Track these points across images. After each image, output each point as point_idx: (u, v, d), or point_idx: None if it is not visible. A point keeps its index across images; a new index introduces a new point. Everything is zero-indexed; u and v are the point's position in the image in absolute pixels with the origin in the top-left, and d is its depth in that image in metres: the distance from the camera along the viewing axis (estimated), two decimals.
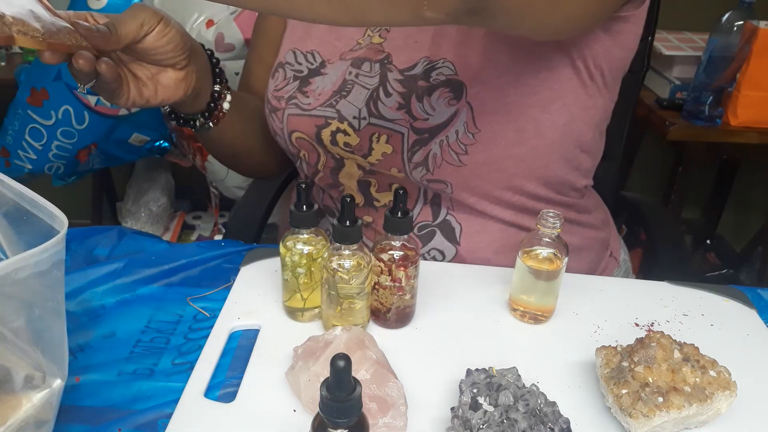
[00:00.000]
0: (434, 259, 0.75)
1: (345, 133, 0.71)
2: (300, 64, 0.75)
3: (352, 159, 0.73)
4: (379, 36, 0.72)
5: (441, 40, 0.68)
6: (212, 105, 0.71)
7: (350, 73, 0.71)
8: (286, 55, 0.78)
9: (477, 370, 0.53)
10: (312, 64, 0.75)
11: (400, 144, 0.69)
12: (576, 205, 0.79)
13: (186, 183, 2.10)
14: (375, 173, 0.73)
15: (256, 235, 0.94)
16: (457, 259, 0.75)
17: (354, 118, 0.70)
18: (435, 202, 0.73)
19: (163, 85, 0.63)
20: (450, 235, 0.74)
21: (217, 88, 0.71)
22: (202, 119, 0.72)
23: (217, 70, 0.71)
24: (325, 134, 0.72)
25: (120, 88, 0.59)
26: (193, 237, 2.09)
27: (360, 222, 0.57)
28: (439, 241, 0.74)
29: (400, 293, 0.60)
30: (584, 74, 0.69)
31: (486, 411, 0.48)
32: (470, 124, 0.67)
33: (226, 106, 0.72)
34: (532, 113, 0.68)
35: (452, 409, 0.50)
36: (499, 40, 0.66)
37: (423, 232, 0.74)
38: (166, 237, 2.03)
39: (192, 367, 0.57)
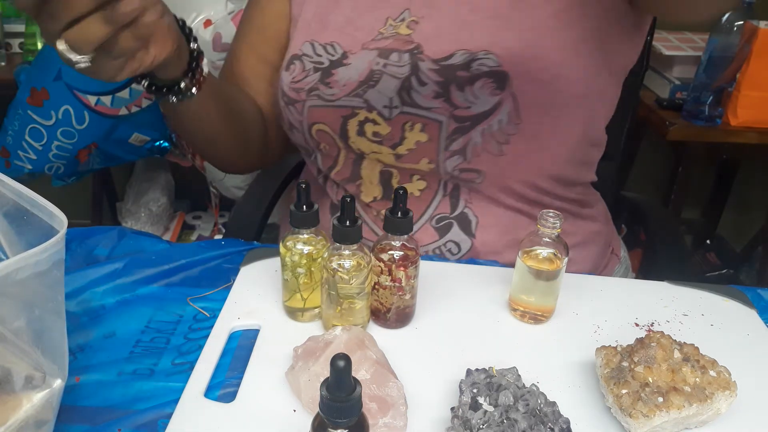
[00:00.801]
0: (450, 251, 0.76)
1: (374, 122, 0.71)
2: (320, 55, 0.75)
3: (377, 151, 0.72)
4: (407, 27, 0.71)
5: (476, 32, 0.68)
6: (194, 65, 0.66)
7: (377, 63, 0.71)
8: (302, 47, 0.77)
9: (477, 370, 0.53)
10: (332, 55, 0.74)
11: (436, 132, 0.69)
12: (581, 199, 0.80)
13: (186, 183, 2.10)
14: (398, 165, 0.73)
15: (256, 235, 0.94)
16: (471, 252, 0.75)
17: (384, 107, 0.70)
18: (454, 194, 0.74)
19: (153, 41, 0.56)
20: (466, 228, 0.75)
21: (194, 45, 0.66)
22: (186, 81, 0.66)
23: (187, 29, 0.66)
24: (352, 124, 0.72)
25: (129, 59, 0.55)
26: (193, 237, 2.08)
27: (360, 222, 0.57)
28: (455, 233, 0.75)
29: (400, 293, 0.60)
30: (612, 69, 0.71)
31: (486, 411, 0.48)
32: (514, 114, 0.67)
33: (205, 68, 0.68)
34: (568, 108, 0.69)
35: (452, 409, 0.50)
36: (544, 35, 0.68)
37: (440, 224, 0.75)
38: (166, 237, 2.03)
39: (192, 367, 0.57)
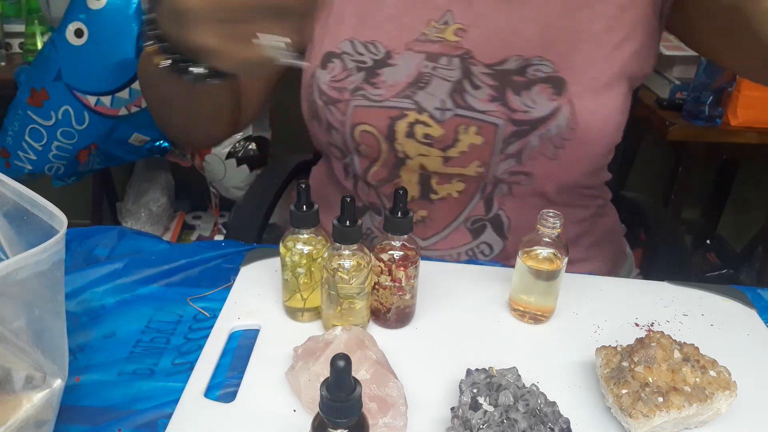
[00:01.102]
0: (482, 253, 0.76)
1: (425, 124, 0.71)
2: (361, 54, 0.73)
3: (426, 153, 0.72)
4: (454, 35, 0.71)
5: (528, 38, 0.69)
6: None
7: (426, 66, 0.71)
8: (340, 44, 0.74)
9: (477, 370, 0.53)
10: (375, 54, 0.73)
11: (492, 135, 0.70)
12: (600, 195, 0.83)
13: (186, 183, 2.11)
14: (443, 168, 0.73)
15: (257, 235, 0.94)
16: (503, 254, 0.76)
17: (436, 109, 0.70)
18: (489, 197, 0.75)
19: None
20: (499, 230, 0.76)
21: None
22: None
23: None
24: (401, 126, 0.71)
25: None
26: (193, 237, 2.09)
27: (360, 222, 0.57)
28: (488, 234, 0.76)
29: (400, 293, 0.60)
30: (639, 77, 0.75)
31: (486, 411, 0.48)
32: (572, 119, 0.68)
33: None
34: (614, 113, 0.71)
35: (452, 409, 0.50)
36: (598, 45, 0.69)
37: (475, 226, 0.76)
38: (166, 237, 2.03)
39: (192, 367, 0.57)
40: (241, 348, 0.60)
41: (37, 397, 0.45)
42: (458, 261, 0.77)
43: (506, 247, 0.76)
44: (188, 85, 0.61)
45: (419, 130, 0.71)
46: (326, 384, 0.40)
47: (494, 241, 0.76)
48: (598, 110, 0.69)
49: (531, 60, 0.69)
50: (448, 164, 0.72)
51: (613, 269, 0.87)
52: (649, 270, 0.93)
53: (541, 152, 0.70)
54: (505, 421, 0.47)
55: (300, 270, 0.60)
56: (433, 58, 0.71)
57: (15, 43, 1.84)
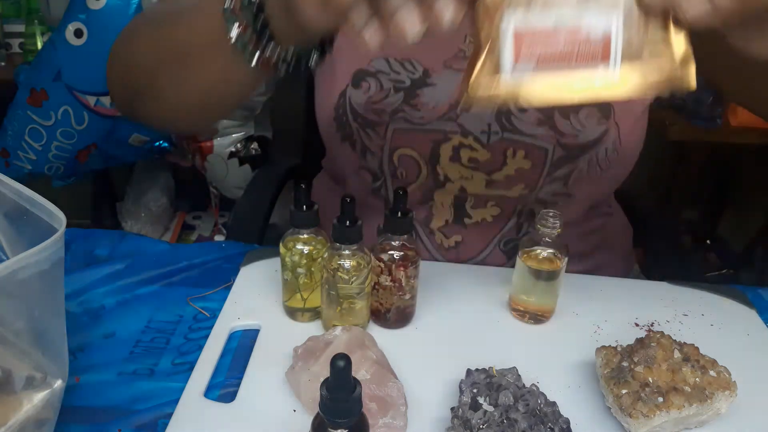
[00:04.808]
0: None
1: (471, 148, 0.69)
2: (398, 73, 0.69)
3: (468, 177, 0.70)
4: None
5: None
6: None
7: None
8: (374, 62, 0.70)
9: (477, 370, 0.53)
10: (412, 73, 0.69)
11: (542, 159, 0.69)
12: (611, 196, 0.85)
13: (186, 183, 2.10)
14: (485, 191, 0.72)
15: (259, 236, 0.94)
16: None
17: (482, 132, 0.68)
18: (523, 220, 0.74)
19: None
20: None
21: None
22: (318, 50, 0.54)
23: None
24: (445, 149, 0.69)
25: None
26: (193, 237, 2.08)
27: (360, 222, 0.56)
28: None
29: (400, 293, 0.60)
30: None
31: (486, 411, 0.48)
32: (617, 142, 0.69)
33: None
34: (644, 130, 0.73)
35: (452, 409, 0.50)
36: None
37: (508, 247, 0.75)
38: (166, 237, 2.03)
39: (192, 367, 0.57)
40: (241, 348, 0.60)
41: (38, 398, 0.45)
42: None
43: None
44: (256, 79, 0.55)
45: (465, 153, 0.69)
46: (326, 384, 0.40)
47: None
48: (636, 131, 0.70)
49: None
50: (491, 187, 0.71)
51: (624, 266, 0.88)
52: (649, 270, 0.93)
53: (588, 175, 0.70)
54: (505, 421, 0.47)
55: (300, 270, 0.60)
56: None
57: (15, 43, 1.84)
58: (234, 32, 0.50)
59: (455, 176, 0.71)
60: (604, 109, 0.68)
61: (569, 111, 0.67)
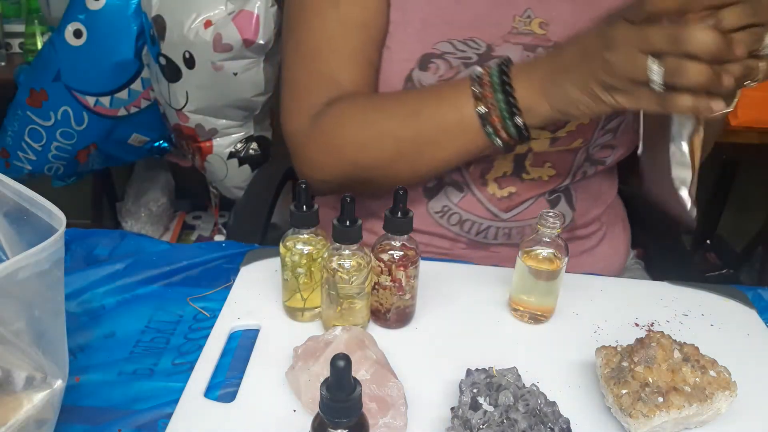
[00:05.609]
0: None
1: None
2: (463, 51, 0.73)
3: (535, 137, 0.73)
4: (540, 27, 0.73)
5: None
6: None
7: (528, 56, 0.73)
8: (438, 45, 0.72)
9: (477, 370, 0.53)
10: (477, 49, 0.73)
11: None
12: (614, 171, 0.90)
13: (186, 183, 2.10)
14: (548, 149, 0.75)
15: (259, 236, 0.94)
16: (572, 224, 0.84)
17: None
18: (574, 180, 0.81)
19: None
20: (569, 200, 0.82)
21: None
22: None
23: None
24: None
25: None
26: (193, 237, 2.08)
27: (360, 222, 0.56)
28: (562, 206, 0.82)
29: (400, 293, 0.60)
30: None
31: (486, 411, 0.48)
32: None
33: None
34: None
35: (452, 409, 0.50)
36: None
37: (552, 197, 0.81)
38: (166, 237, 2.03)
39: (192, 367, 0.57)
40: (241, 348, 0.60)
41: (38, 398, 0.45)
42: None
43: (574, 218, 0.83)
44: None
45: None
46: (326, 384, 0.40)
47: (566, 211, 0.82)
48: None
49: None
50: (554, 144, 0.75)
51: (625, 251, 0.92)
52: (649, 270, 0.93)
53: (632, 126, 0.76)
54: (505, 421, 0.47)
55: (300, 270, 0.60)
56: (531, 49, 0.73)
57: (15, 43, 1.84)
58: (489, 128, 0.65)
59: None
60: None
61: None
